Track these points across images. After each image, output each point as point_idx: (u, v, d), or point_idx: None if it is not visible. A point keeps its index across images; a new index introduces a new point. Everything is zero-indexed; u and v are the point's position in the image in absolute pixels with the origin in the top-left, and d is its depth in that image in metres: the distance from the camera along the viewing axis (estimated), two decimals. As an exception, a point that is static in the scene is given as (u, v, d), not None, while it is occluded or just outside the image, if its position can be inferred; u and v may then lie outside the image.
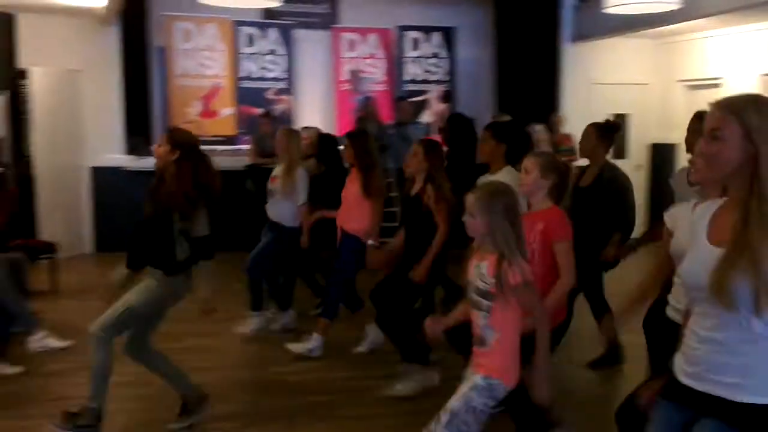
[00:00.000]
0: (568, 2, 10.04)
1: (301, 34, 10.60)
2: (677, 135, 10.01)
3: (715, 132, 1.86)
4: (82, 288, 7.02)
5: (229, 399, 4.38)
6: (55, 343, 5.12)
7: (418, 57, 10.81)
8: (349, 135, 5.27)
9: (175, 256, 3.76)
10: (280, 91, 10.40)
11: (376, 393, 4.44)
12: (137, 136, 8.81)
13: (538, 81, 10.02)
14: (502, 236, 2.74)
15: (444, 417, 2.73)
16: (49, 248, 7.08)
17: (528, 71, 10.08)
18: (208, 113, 10.10)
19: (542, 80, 10.04)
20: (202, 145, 10.08)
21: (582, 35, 9.84)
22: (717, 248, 1.88)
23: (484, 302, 2.77)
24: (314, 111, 10.59)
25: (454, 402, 2.75)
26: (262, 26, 10.33)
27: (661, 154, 10.26)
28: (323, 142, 6.17)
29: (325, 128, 10.30)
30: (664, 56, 10.24)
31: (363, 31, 10.70)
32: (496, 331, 2.77)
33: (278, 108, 10.24)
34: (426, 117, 10.60)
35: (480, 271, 2.79)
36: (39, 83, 8.23)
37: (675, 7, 6.95)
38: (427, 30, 10.77)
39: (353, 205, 5.02)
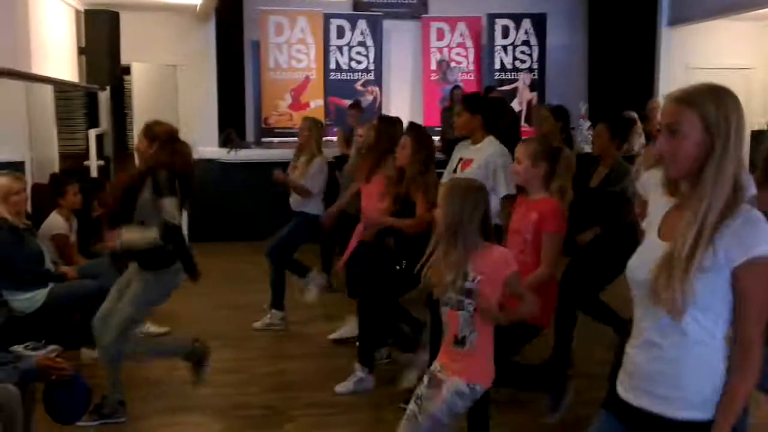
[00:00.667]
0: (666, -16, 9.67)
1: (390, 25, 10.64)
2: (783, 122, 9.53)
3: (673, 126, 1.75)
4: (179, 276, 7.29)
5: (319, 387, 4.46)
6: (152, 329, 5.34)
7: (507, 45, 10.66)
8: (380, 118, 5.28)
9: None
10: (369, 82, 10.47)
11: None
12: (230, 128, 9.06)
13: (633, 67, 9.71)
14: (467, 231, 2.71)
15: (426, 422, 2.74)
16: (148, 238, 7.33)
17: (622, 57, 9.78)
18: (298, 105, 10.29)
19: (637, 66, 9.71)
20: (293, 137, 10.37)
21: (680, 18, 9.44)
22: (663, 243, 1.80)
23: (467, 301, 2.71)
24: (402, 101, 10.63)
25: (436, 408, 2.73)
26: (352, 18, 10.43)
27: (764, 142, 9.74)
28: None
29: (413, 118, 10.33)
30: (770, 39, 9.72)
31: (452, 20, 10.63)
32: (477, 331, 2.74)
33: (367, 99, 10.32)
34: (515, 106, 10.44)
35: (465, 269, 2.72)
36: (139, 79, 8.58)
37: (782, -14, 6.59)
38: (517, 17, 10.60)
39: (366, 186, 4.95)
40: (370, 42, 10.48)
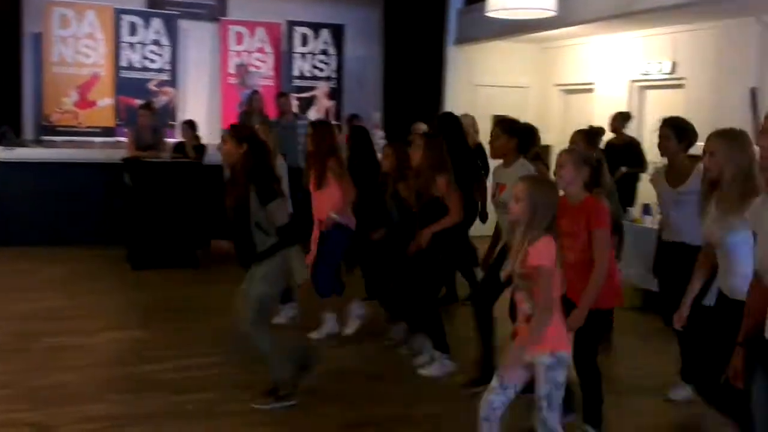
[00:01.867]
0: (453, 5, 10.28)
1: (186, 25, 10.39)
2: (553, 137, 10.48)
3: None
4: None
5: (97, 399, 4.22)
6: None
7: (306, 53, 10.79)
8: (312, 123, 5.60)
9: (254, 247, 3.99)
10: (163, 83, 10.13)
11: (251, 389, 4.42)
12: (5, 125, 8.34)
13: (424, 81, 10.21)
14: (537, 222, 3.04)
15: (543, 404, 3.02)
16: None
17: (414, 71, 10.25)
18: (86, 103, 9.72)
19: (427, 80, 10.23)
20: (78, 136, 9.84)
21: (465, 38, 10.09)
22: None
23: (525, 283, 3.07)
24: (199, 104, 10.40)
25: (542, 389, 3.02)
26: (145, 15, 10.04)
27: (537, 155, 10.65)
28: (356, 134, 6.27)
29: (210, 122, 10.20)
30: (543, 61, 10.64)
31: (251, 25, 10.58)
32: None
33: (161, 100, 9.98)
34: (313, 114, 10.61)
35: (521, 257, 3.07)
36: None
37: (552, 13, 7.24)
38: (315, 26, 10.77)
39: (318, 193, 5.27)
40: (165, 41, 10.14)
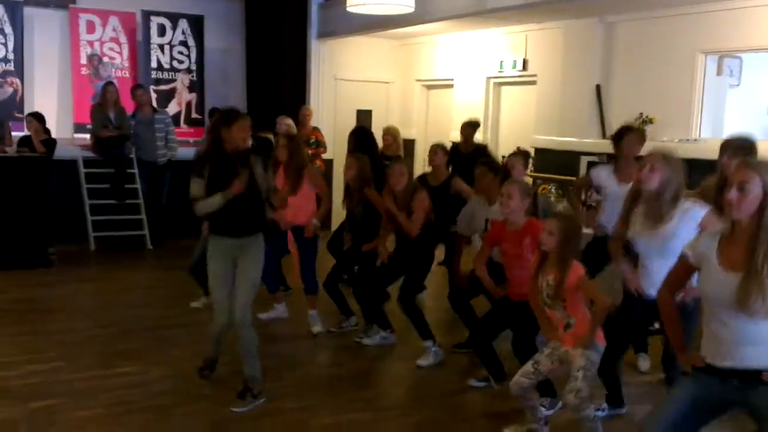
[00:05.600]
0: (315, -1, 10.27)
1: (32, 12, 9.77)
2: (416, 131, 10.74)
3: (743, 185, 2.45)
4: None
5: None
6: None
7: (164, 44, 10.43)
8: (288, 137, 5.88)
9: (265, 221, 4.26)
10: (8, 73, 9.49)
11: (101, 393, 4.25)
12: None
13: (287, 75, 10.14)
14: (568, 253, 3.50)
15: (579, 374, 3.49)
16: None
17: (277, 64, 10.16)
18: None
19: (291, 74, 10.16)
20: None
21: (327, 32, 10.11)
22: (731, 272, 2.48)
23: (558, 302, 3.55)
24: (49, 96, 9.84)
25: (579, 362, 3.51)
26: (-15, 1, 9.36)
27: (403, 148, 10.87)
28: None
29: (61, 115, 9.68)
30: (404, 57, 10.86)
31: (103, 14, 10.09)
32: (574, 316, 3.57)
33: (6, 91, 9.36)
34: (173, 107, 10.30)
35: (548, 282, 3.56)
36: None
37: (410, 9, 7.40)
38: (173, 17, 10.43)
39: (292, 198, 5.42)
40: (8, 29, 9.49)
